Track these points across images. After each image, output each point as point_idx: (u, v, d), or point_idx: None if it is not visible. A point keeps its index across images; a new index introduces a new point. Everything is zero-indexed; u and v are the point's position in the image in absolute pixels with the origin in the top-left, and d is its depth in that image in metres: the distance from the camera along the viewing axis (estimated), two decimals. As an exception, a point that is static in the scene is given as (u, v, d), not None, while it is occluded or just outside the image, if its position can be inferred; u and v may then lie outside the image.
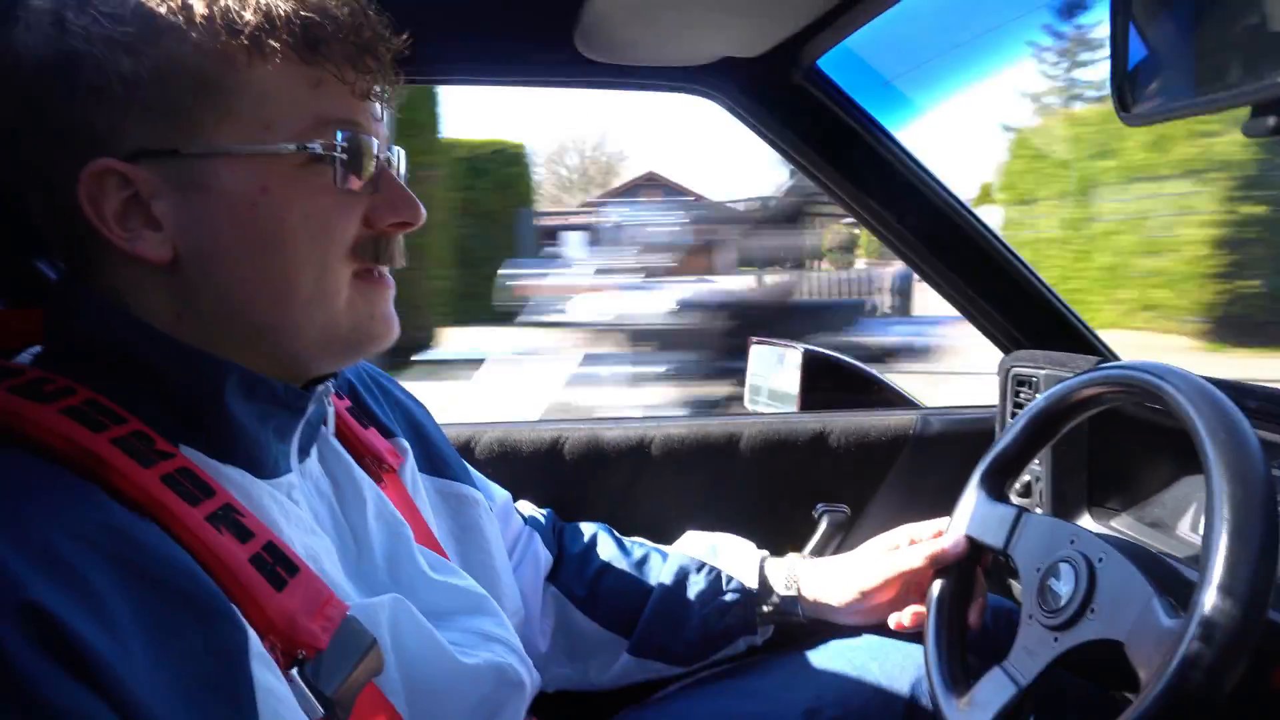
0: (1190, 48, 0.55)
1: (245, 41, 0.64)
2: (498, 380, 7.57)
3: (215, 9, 0.64)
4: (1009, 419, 1.37)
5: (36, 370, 0.64)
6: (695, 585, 1.12)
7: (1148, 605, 0.79)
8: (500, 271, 8.17)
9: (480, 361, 8.07)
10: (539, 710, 0.91)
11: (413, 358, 9.79)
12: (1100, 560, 0.86)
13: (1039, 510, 1.39)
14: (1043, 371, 1.44)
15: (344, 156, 0.68)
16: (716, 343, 5.73)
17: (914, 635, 1.08)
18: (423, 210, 0.75)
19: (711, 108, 1.41)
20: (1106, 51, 0.61)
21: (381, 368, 1.03)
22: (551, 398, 6.10)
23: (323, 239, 0.69)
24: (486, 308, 9.10)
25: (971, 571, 1.03)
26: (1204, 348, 10.93)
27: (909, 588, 1.07)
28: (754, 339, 1.98)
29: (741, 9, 1.12)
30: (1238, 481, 0.73)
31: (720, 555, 1.16)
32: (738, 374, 2.62)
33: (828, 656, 1.13)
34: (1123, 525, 1.29)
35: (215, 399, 0.67)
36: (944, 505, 1.08)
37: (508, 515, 1.10)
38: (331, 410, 0.84)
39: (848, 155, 1.44)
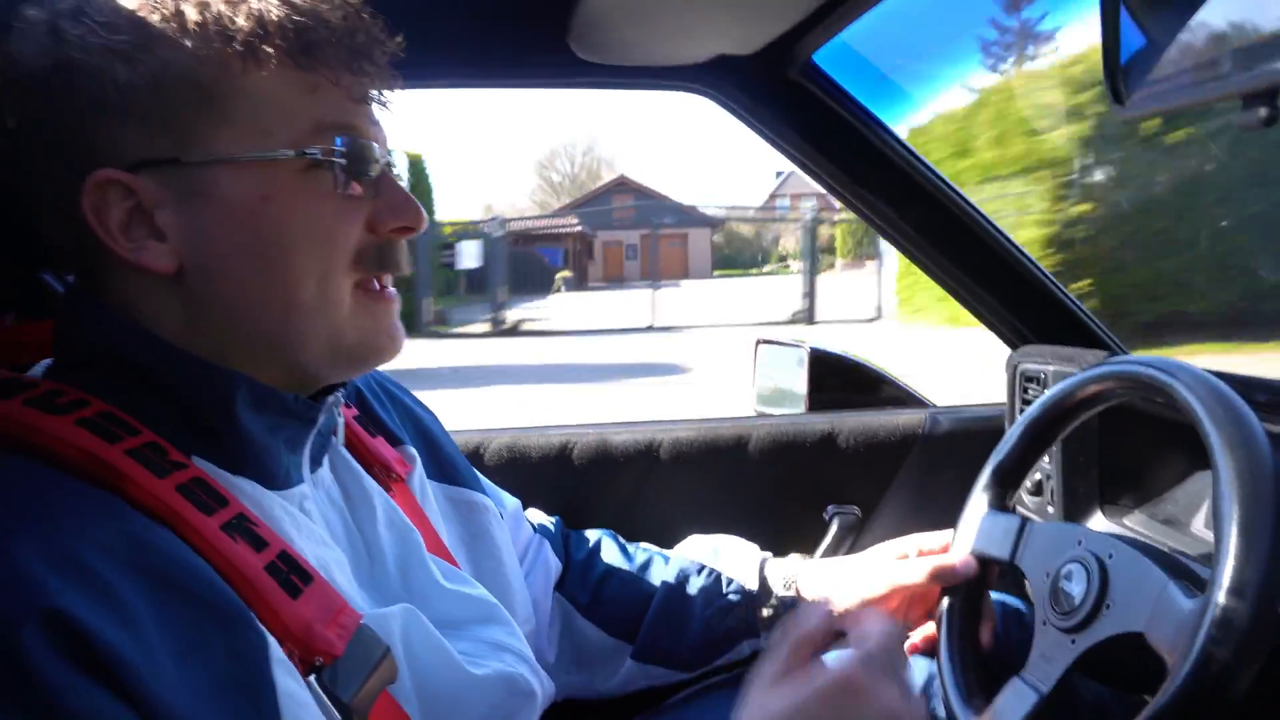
0: (1182, 38, 0.53)
1: (239, 48, 0.65)
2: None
3: (207, 15, 0.65)
4: (1018, 416, 1.36)
5: (50, 382, 0.64)
6: (696, 587, 1.11)
7: (1164, 592, 0.77)
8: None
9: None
10: (550, 719, 0.91)
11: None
12: (1110, 556, 0.85)
13: (1050, 509, 1.37)
14: (1050, 367, 1.42)
15: (343, 161, 0.68)
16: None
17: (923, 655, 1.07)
18: (425, 214, 0.75)
19: (704, 106, 1.41)
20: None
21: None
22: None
23: (325, 245, 0.69)
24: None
25: (980, 586, 1.01)
26: None
27: (912, 601, 1.05)
28: (760, 339, 1.96)
29: (735, 6, 1.11)
30: (1245, 475, 0.72)
31: (721, 557, 1.15)
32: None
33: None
34: (1135, 523, 1.27)
35: (226, 410, 0.67)
36: (954, 504, 1.06)
37: (518, 523, 1.09)
38: (341, 420, 0.84)
39: (846, 150, 1.43)
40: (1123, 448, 1.32)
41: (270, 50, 0.65)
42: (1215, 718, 0.69)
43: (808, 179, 1.49)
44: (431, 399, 1.08)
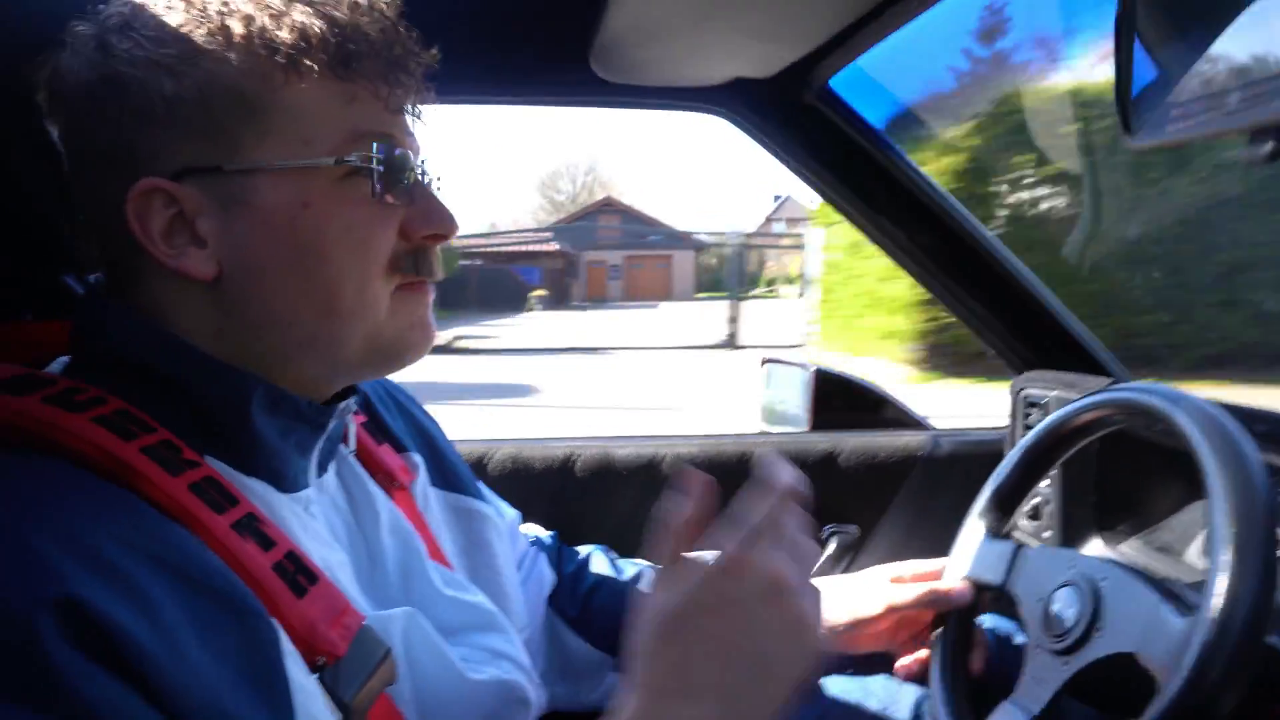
0: (1192, 71, 0.55)
1: (282, 61, 0.66)
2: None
3: (252, 30, 0.66)
4: (1019, 440, 1.37)
5: (68, 380, 0.65)
6: None
7: (1156, 612, 0.79)
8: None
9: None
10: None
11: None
12: (1104, 580, 0.86)
13: (1048, 534, 1.39)
14: (1053, 393, 1.44)
15: (381, 168, 0.70)
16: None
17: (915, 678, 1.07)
18: (457, 222, 0.76)
19: (708, 128, 1.43)
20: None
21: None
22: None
23: (362, 250, 0.70)
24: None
25: (973, 611, 1.01)
26: (921, 378, 10.62)
27: (903, 624, 1.05)
28: (766, 358, 1.98)
29: (754, 31, 1.13)
30: (1238, 496, 0.74)
31: None
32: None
33: (831, 683, 1.12)
34: (1131, 549, 1.28)
35: (241, 413, 0.68)
36: (953, 526, 1.07)
37: (515, 535, 1.10)
38: (353, 427, 0.85)
39: (859, 174, 1.45)
40: (1121, 475, 1.33)
41: (312, 63, 0.67)
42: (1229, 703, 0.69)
43: (803, 203, 1.51)
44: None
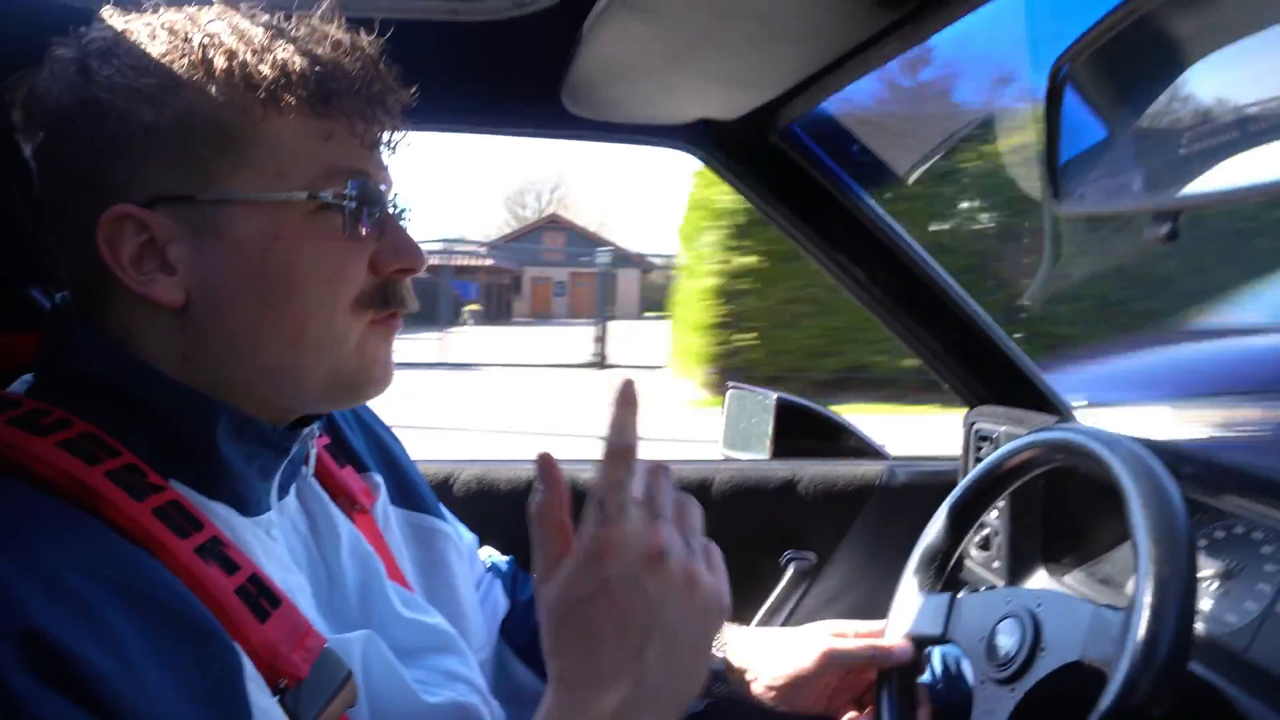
0: (1107, 153, 0.60)
1: (262, 95, 0.67)
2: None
3: (234, 64, 0.67)
4: (971, 469, 1.41)
5: (34, 401, 0.65)
6: None
7: (1094, 617, 0.83)
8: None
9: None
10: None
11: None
12: (1039, 605, 0.89)
13: (996, 564, 1.43)
14: (1002, 428, 1.49)
15: (353, 205, 0.70)
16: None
17: None
18: (425, 256, 0.77)
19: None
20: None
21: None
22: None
23: (331, 284, 0.71)
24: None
25: (915, 670, 1.01)
26: (712, 400, 10.53)
27: (844, 684, 1.04)
28: (730, 383, 2.01)
29: (720, 77, 1.17)
30: (1150, 502, 0.80)
31: None
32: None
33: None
34: (1073, 580, 1.33)
35: (207, 438, 0.68)
36: (907, 555, 1.09)
37: (473, 558, 1.09)
38: (314, 450, 0.85)
39: (819, 212, 1.49)
40: (1067, 509, 1.38)
41: (291, 98, 0.67)
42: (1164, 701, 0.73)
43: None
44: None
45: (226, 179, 0.67)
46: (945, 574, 1.06)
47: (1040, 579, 1.37)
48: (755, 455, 1.80)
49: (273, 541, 0.73)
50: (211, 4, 0.71)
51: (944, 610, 1.00)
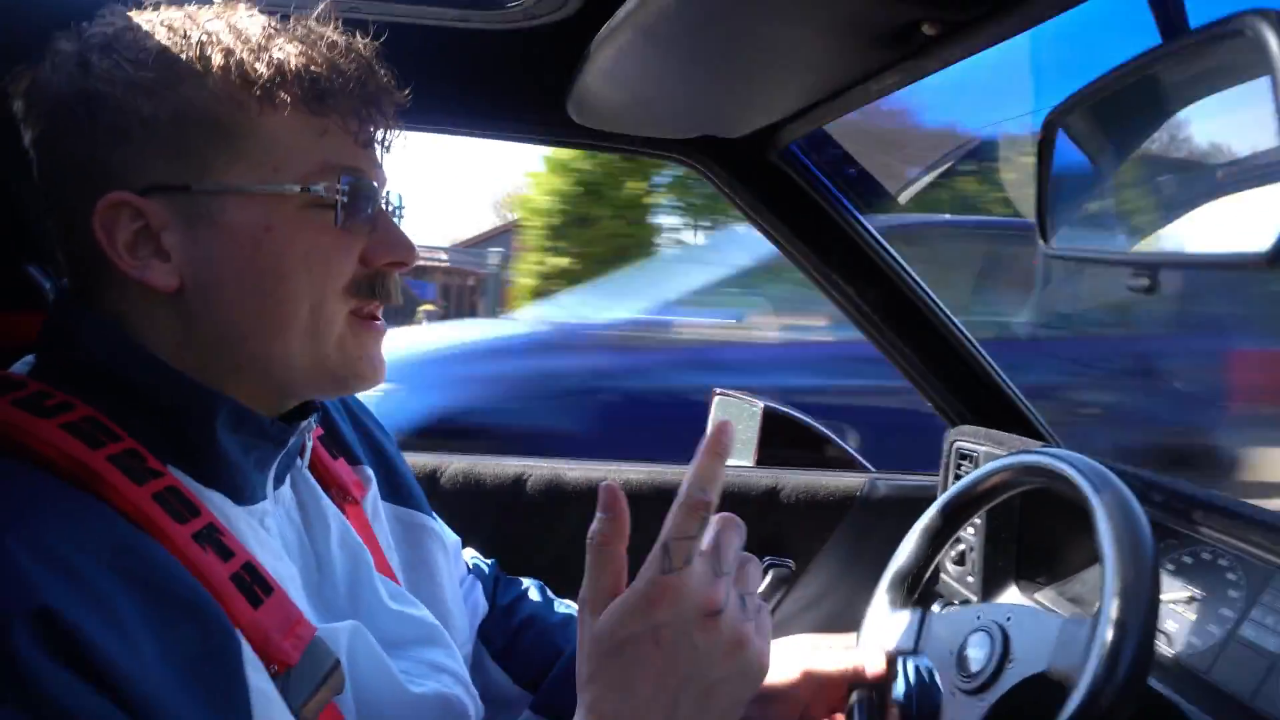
0: (1092, 203, 0.63)
1: (258, 92, 0.68)
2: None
3: (231, 61, 0.68)
4: (950, 486, 1.44)
5: (38, 383, 0.66)
6: None
7: (1062, 629, 0.85)
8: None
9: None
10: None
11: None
12: (1009, 619, 0.92)
13: (971, 579, 1.46)
14: (982, 448, 1.52)
15: (345, 200, 0.72)
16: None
17: None
18: (417, 250, 0.79)
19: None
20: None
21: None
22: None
23: (320, 275, 0.72)
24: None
25: (888, 681, 1.01)
26: None
27: (819, 697, 1.02)
28: (717, 390, 2.03)
29: (723, 97, 1.20)
30: (1116, 517, 0.83)
31: None
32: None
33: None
34: (1044, 597, 1.36)
35: (206, 428, 0.69)
36: (884, 567, 1.10)
37: (457, 557, 1.09)
38: (309, 442, 0.86)
39: (814, 230, 1.52)
40: (1042, 528, 1.41)
41: (287, 95, 0.69)
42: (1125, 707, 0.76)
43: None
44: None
45: (222, 170, 0.69)
46: (918, 590, 1.08)
47: (1013, 595, 1.41)
48: (740, 462, 1.83)
49: (266, 531, 0.75)
50: (211, 3, 0.73)
51: (916, 626, 1.02)
